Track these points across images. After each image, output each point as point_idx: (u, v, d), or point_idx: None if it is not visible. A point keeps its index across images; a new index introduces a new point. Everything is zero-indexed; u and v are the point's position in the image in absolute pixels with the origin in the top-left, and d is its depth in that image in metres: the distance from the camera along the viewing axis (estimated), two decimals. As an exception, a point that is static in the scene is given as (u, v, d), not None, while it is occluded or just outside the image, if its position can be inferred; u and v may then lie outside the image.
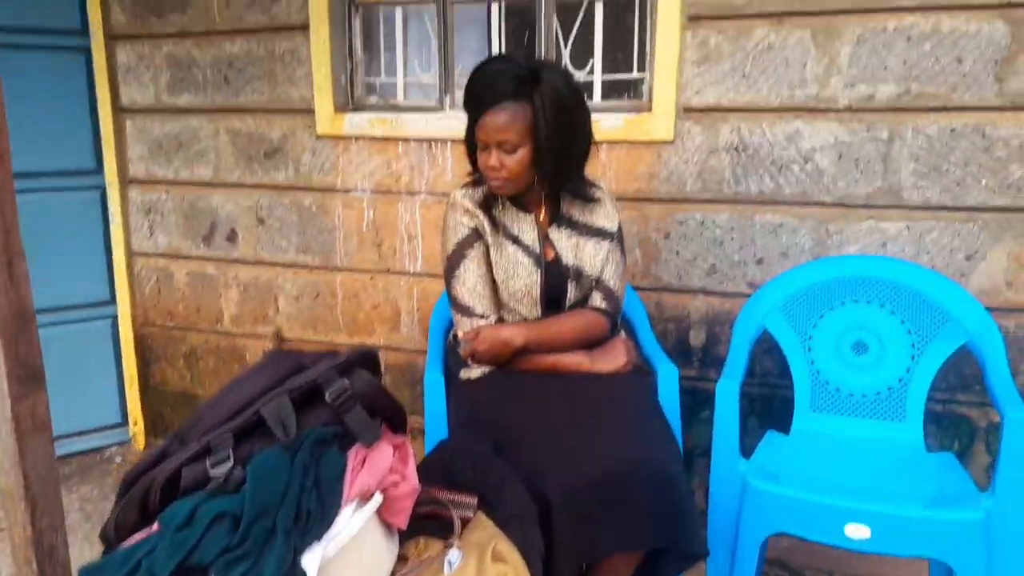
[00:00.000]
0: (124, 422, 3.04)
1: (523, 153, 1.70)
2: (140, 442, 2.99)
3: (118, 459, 2.93)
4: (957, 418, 2.18)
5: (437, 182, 2.48)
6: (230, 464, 1.03)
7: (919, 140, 2.05)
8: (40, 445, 1.35)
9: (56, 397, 2.79)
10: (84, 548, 2.20)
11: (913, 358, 1.94)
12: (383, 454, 1.18)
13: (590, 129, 1.76)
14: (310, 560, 1.02)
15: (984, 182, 2.02)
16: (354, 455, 1.15)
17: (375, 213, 2.57)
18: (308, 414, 1.12)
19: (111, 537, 1.12)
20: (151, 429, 3.02)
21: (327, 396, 1.13)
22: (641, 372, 1.86)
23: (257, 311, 2.78)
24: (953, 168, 2.04)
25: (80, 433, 2.95)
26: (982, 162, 2.01)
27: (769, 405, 2.29)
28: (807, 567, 2.15)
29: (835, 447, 1.89)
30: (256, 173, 2.68)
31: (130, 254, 2.89)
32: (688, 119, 2.21)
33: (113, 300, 2.94)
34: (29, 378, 1.32)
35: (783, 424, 2.12)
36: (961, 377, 2.14)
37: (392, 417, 1.24)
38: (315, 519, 1.03)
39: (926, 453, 1.87)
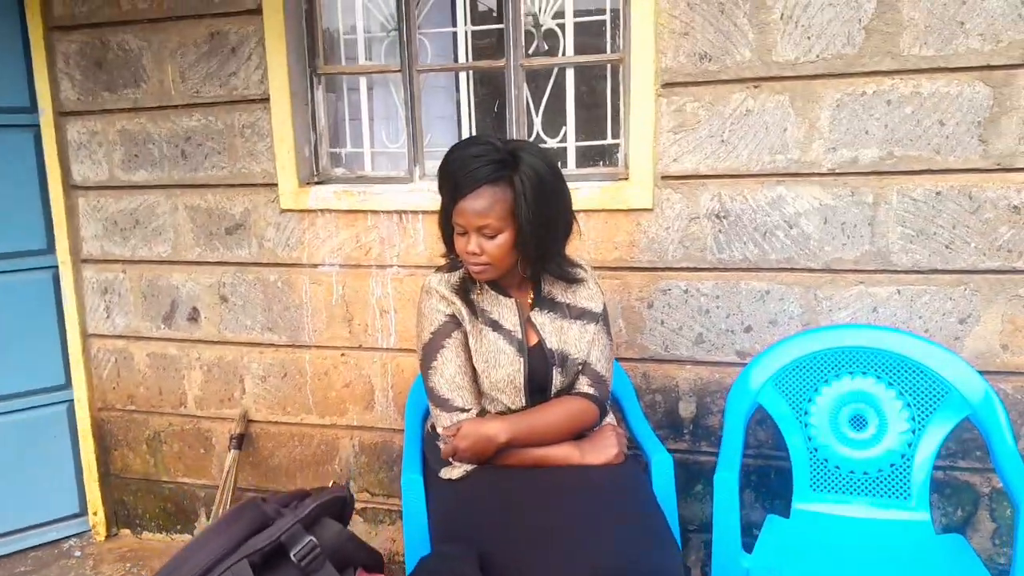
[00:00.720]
0: (83, 512, 2.85)
1: (505, 238, 1.61)
2: (101, 533, 2.81)
3: (77, 552, 2.75)
4: (959, 485, 2.10)
5: (409, 254, 2.38)
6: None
7: (905, 203, 1.99)
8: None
9: (10, 488, 2.65)
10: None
11: (914, 432, 1.86)
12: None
13: (571, 207, 1.68)
14: None
15: (973, 244, 1.97)
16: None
17: (345, 288, 2.46)
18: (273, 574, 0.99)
19: None
20: (112, 519, 2.84)
21: (293, 556, 1.01)
22: (634, 461, 1.76)
23: (222, 392, 2.64)
24: (941, 231, 1.98)
25: (36, 526, 2.77)
26: (970, 224, 1.96)
27: (765, 478, 2.20)
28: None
29: (839, 532, 1.79)
30: (218, 250, 2.55)
31: (86, 336, 2.74)
32: (667, 186, 2.14)
33: (69, 384, 2.78)
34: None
35: (780, 496, 2.03)
36: (961, 443, 2.06)
37: (367, 563, 1.12)
38: None
39: (934, 535, 1.78)
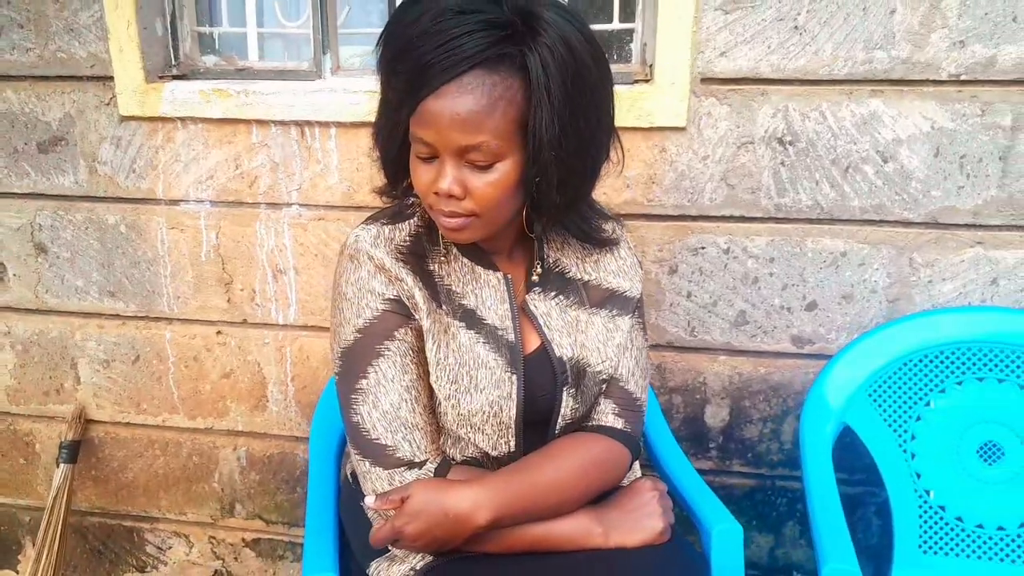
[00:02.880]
0: None
1: (507, 168, 0.90)
2: None
3: None
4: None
5: (316, 187, 1.61)
6: None
7: (1063, 128, 1.35)
8: None
9: None
10: None
11: (1072, 468, 1.27)
12: None
13: (613, 115, 0.96)
14: None
15: None
16: None
17: (219, 236, 1.67)
18: None
19: None
20: None
21: None
22: (684, 540, 1.09)
23: (46, 382, 1.83)
24: (1109, 171, 1.36)
25: None
26: None
27: (851, 512, 1.59)
28: None
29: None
30: (28, 175, 1.71)
31: None
32: (709, 94, 1.43)
33: None
34: None
35: (868, 551, 1.43)
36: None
37: None
38: None
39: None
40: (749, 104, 1.43)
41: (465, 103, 0.84)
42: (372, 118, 0.98)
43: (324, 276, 1.65)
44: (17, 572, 2.00)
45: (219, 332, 1.73)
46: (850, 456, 1.43)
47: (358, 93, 1.55)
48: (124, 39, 1.59)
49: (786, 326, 1.53)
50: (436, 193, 0.90)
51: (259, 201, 1.64)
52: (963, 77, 1.37)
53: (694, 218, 1.51)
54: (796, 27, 1.39)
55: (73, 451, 1.80)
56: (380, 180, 1.03)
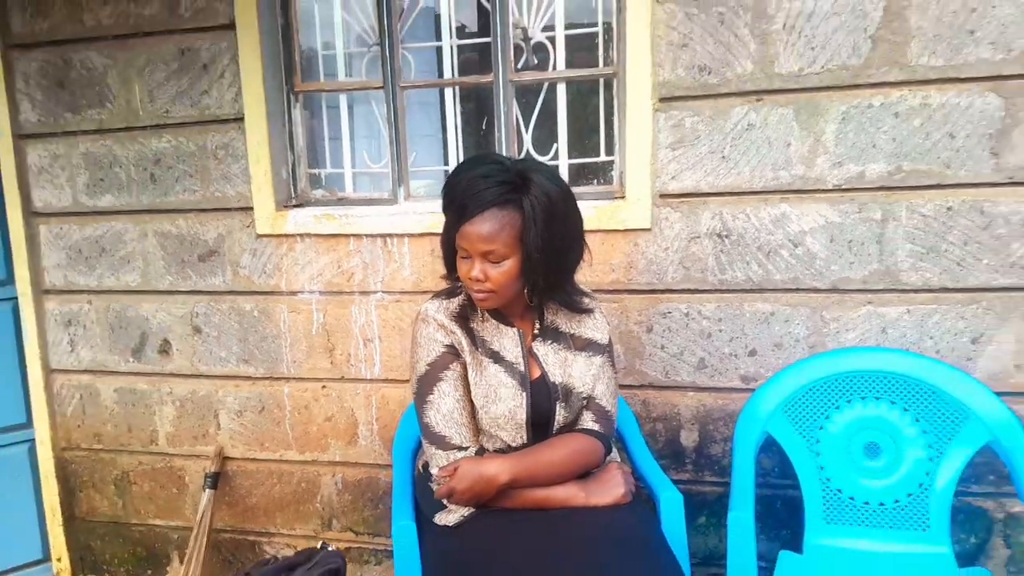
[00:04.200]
0: (46, 559, 2.68)
1: (511, 264, 1.50)
2: (66, 583, 2.64)
3: (40, 603, 2.57)
4: (972, 511, 2.01)
5: (394, 279, 2.26)
6: None
7: (914, 219, 1.91)
8: None
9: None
10: None
11: (932, 460, 1.77)
12: None
13: (582, 232, 1.57)
14: None
15: (986, 261, 1.89)
16: None
17: (326, 316, 2.33)
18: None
19: None
20: (78, 565, 2.66)
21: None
22: (641, 501, 1.64)
23: (196, 429, 2.48)
24: (952, 247, 1.90)
25: (9, 571, 2.59)
26: (982, 240, 1.88)
27: (771, 508, 2.09)
28: None
29: (856, 567, 1.69)
30: (190, 278, 2.41)
31: (48, 371, 2.57)
32: (665, 205, 2.05)
33: (30, 423, 2.61)
34: None
35: (786, 526, 1.93)
36: (974, 467, 1.96)
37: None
38: None
39: (957, 570, 1.68)
40: (695, 210, 2.04)
41: (485, 227, 1.47)
42: (434, 230, 1.63)
43: (399, 342, 2.28)
44: (166, 581, 2.61)
45: (324, 386, 2.37)
46: (771, 464, 1.95)
47: (423, 213, 2.21)
48: (261, 182, 2.31)
49: (735, 368, 2.08)
50: (470, 278, 1.53)
51: (354, 290, 2.30)
52: (843, 186, 1.94)
53: (661, 291, 2.09)
54: (723, 157, 2.00)
55: (214, 480, 2.43)
56: (440, 272, 1.65)
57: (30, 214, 2.51)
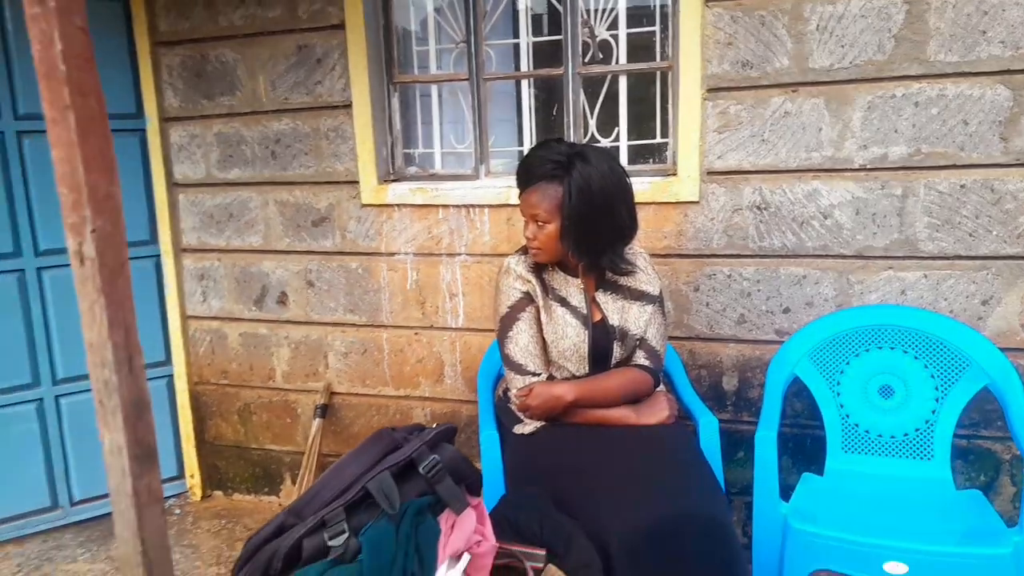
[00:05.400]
0: (181, 475, 3.18)
1: (551, 228, 1.87)
2: (197, 493, 3.14)
3: (177, 511, 3.07)
4: (982, 453, 2.30)
5: (476, 244, 2.64)
6: (346, 536, 1.18)
7: (931, 195, 2.20)
8: (155, 516, 1.49)
9: (120, 457, 2.97)
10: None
11: (937, 400, 2.07)
12: (468, 518, 1.32)
13: (624, 216, 1.88)
14: (416, 616, 1.16)
15: (995, 232, 2.17)
16: (445, 520, 1.29)
17: (418, 274, 2.73)
18: (406, 485, 1.27)
19: (234, 601, 1.26)
20: (207, 481, 3.16)
21: (421, 469, 1.28)
22: (683, 423, 2.00)
23: (308, 368, 2.94)
24: (965, 220, 2.18)
25: (139, 490, 3.09)
26: (992, 214, 2.16)
27: (801, 445, 2.42)
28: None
29: (868, 486, 2.02)
30: (305, 240, 2.85)
31: (184, 318, 3.06)
32: (712, 181, 2.37)
33: (169, 361, 3.10)
34: (146, 457, 1.46)
35: (815, 461, 2.25)
36: (983, 414, 2.26)
37: (471, 483, 1.38)
38: (418, 579, 1.17)
39: (955, 491, 1.99)
40: (737, 186, 2.36)
41: (533, 196, 1.85)
42: (509, 202, 1.99)
43: (480, 297, 2.67)
44: (279, 496, 3.08)
45: (416, 334, 2.78)
46: (801, 407, 2.27)
47: (500, 188, 2.58)
48: (366, 160, 2.72)
49: (771, 323, 2.40)
50: (525, 236, 1.90)
51: (442, 253, 2.69)
52: (868, 166, 2.24)
53: (707, 256, 2.42)
54: (763, 140, 2.31)
55: (323, 411, 2.88)
56: (514, 237, 2.03)
57: (171, 185, 2.98)
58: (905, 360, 2.11)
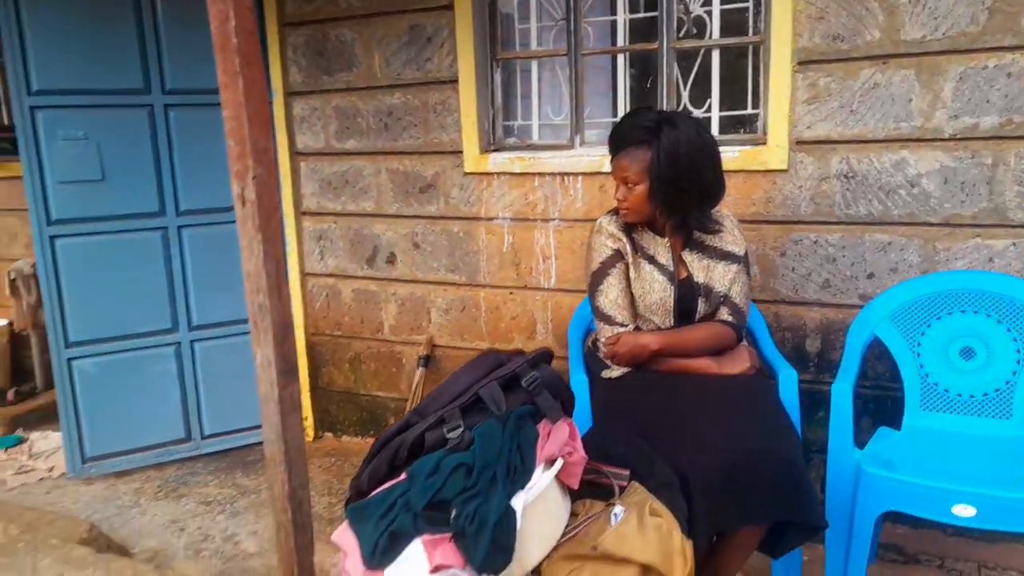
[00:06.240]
0: (293, 421, 3.50)
1: (641, 189, 2.01)
2: (310, 434, 3.45)
3: (289, 453, 3.39)
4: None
5: (569, 210, 2.82)
6: (461, 429, 1.39)
7: (1023, 165, 2.23)
8: (295, 423, 1.76)
9: (245, 396, 3.31)
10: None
11: (1019, 363, 2.12)
12: (562, 429, 1.51)
13: (711, 178, 2.01)
14: (517, 503, 1.35)
15: (1086, 201, 2.19)
16: (542, 428, 1.48)
17: (514, 238, 2.93)
18: (510, 396, 1.47)
19: (363, 487, 1.49)
20: (319, 424, 3.48)
21: (523, 383, 1.48)
22: (763, 376, 2.13)
23: (412, 322, 3.19)
24: (1055, 189, 2.21)
25: (259, 427, 3.38)
26: (1083, 183, 2.18)
27: (881, 405, 2.49)
28: (921, 552, 2.34)
29: (943, 440, 2.09)
30: (412, 206, 3.10)
31: (303, 274, 3.37)
32: (800, 151, 2.47)
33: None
34: (289, 371, 1.72)
35: (894, 423, 2.33)
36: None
37: (565, 401, 1.57)
38: (520, 473, 1.37)
39: (1032, 448, 2.05)
40: (825, 155, 2.45)
41: (624, 159, 2.00)
42: (602, 170, 2.15)
43: (571, 260, 2.85)
44: (383, 442, 3.36)
45: (511, 293, 2.99)
46: (883, 370, 2.35)
47: (594, 156, 2.75)
48: (468, 131, 2.93)
49: (855, 288, 2.49)
50: (616, 197, 2.06)
51: (537, 218, 2.89)
52: (958, 136, 2.29)
53: (795, 222, 2.52)
54: (852, 111, 2.39)
55: (426, 361, 3.13)
56: (606, 204, 2.19)
57: (294, 154, 3.28)
58: (988, 324, 2.17)
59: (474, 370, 1.51)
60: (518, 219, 2.92)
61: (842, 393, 2.02)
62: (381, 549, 1.33)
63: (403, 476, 1.42)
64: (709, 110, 2.76)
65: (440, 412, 1.44)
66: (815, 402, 2.57)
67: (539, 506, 1.44)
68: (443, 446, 1.40)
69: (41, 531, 2.24)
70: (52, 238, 3.03)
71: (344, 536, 1.44)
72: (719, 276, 2.11)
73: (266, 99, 1.71)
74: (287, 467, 1.73)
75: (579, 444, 1.59)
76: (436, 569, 1.30)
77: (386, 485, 1.45)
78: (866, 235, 2.45)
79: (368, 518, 1.38)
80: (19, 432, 3.67)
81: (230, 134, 1.63)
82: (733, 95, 2.75)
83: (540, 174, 2.85)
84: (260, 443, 3.33)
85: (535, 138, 3.03)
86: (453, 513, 1.32)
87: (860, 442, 2.10)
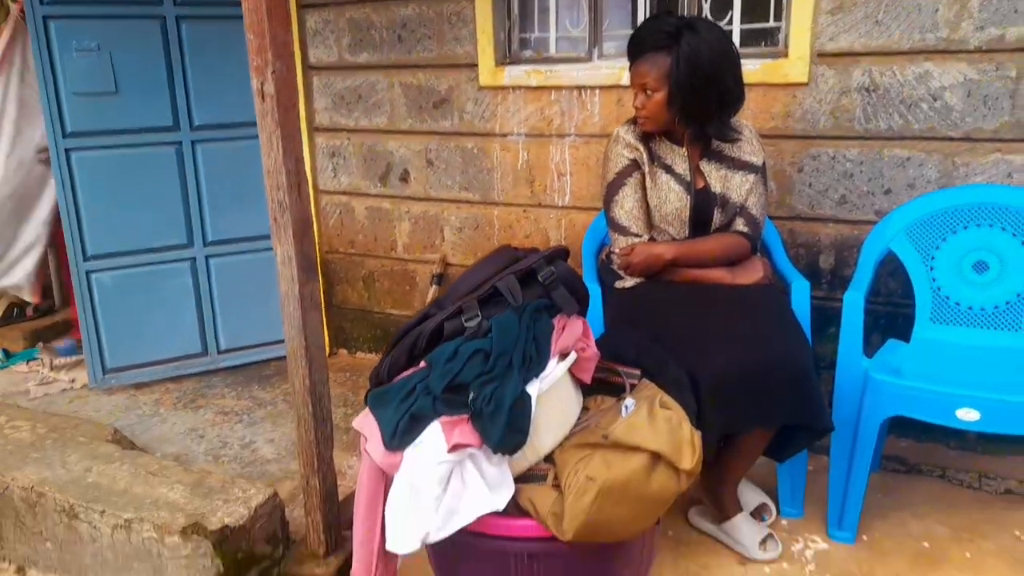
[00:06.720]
0: (308, 339, 3.55)
1: (659, 96, 1.99)
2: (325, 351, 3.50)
3: (304, 369, 3.45)
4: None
5: (585, 125, 2.80)
6: (479, 319, 1.42)
7: (1047, 76, 2.19)
8: (315, 320, 1.80)
9: (261, 312, 3.35)
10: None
11: (1032, 276, 2.13)
12: (576, 324, 1.54)
13: (731, 85, 1.99)
14: (531, 390, 1.39)
15: (1112, 115, 2.15)
16: (557, 322, 1.51)
17: (529, 154, 2.92)
18: (526, 290, 1.49)
19: (383, 375, 1.53)
20: (334, 341, 3.53)
21: (539, 277, 1.50)
22: (776, 287, 2.14)
23: (425, 241, 3.21)
24: (1081, 102, 2.17)
25: (274, 343, 3.44)
26: (1110, 95, 2.14)
27: (893, 321, 2.51)
28: (923, 463, 2.39)
29: (952, 351, 2.12)
30: (426, 121, 3.07)
31: (317, 191, 3.37)
32: (822, 63, 2.42)
33: (301, 233, 3.43)
34: (309, 268, 1.75)
35: (904, 338, 2.35)
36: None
37: (580, 298, 1.59)
38: (535, 362, 1.40)
39: (1042, 361, 2.06)
40: (847, 68, 2.40)
41: (643, 66, 1.97)
42: (620, 83, 2.11)
43: (587, 177, 2.84)
44: (396, 358, 3.41)
45: (525, 211, 2.99)
46: (896, 287, 2.36)
47: (612, 69, 2.71)
48: (484, 43, 2.89)
49: (871, 204, 2.47)
50: (634, 105, 2.03)
51: (552, 134, 2.86)
52: (983, 48, 2.24)
53: (813, 137, 2.49)
54: (877, 21, 2.34)
55: (439, 279, 3.15)
56: (623, 118, 2.16)
57: (306, 68, 3.25)
58: (1003, 237, 2.16)
59: (491, 264, 1.53)
60: (533, 135, 2.90)
61: (854, 302, 2.03)
62: (401, 431, 1.37)
63: (422, 365, 1.45)
64: (730, 23, 2.69)
65: (458, 303, 1.47)
66: (826, 318, 2.58)
67: (552, 395, 1.47)
68: (461, 335, 1.43)
69: (67, 432, 2.31)
70: (67, 151, 3.03)
71: (365, 421, 1.48)
72: (736, 186, 2.10)
73: (285, -7, 1.68)
74: (308, 362, 1.78)
75: (592, 341, 1.61)
76: (454, 448, 1.34)
77: (405, 373, 1.49)
78: (885, 150, 2.42)
79: (388, 403, 1.42)
80: (38, 346, 3.74)
81: (249, 28, 1.61)
82: (754, 7, 2.69)
83: (557, 87, 2.81)
84: (275, 359, 3.41)
85: (552, 51, 2.98)
86: (471, 395, 1.35)
87: (869, 355, 2.12)
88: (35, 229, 3.64)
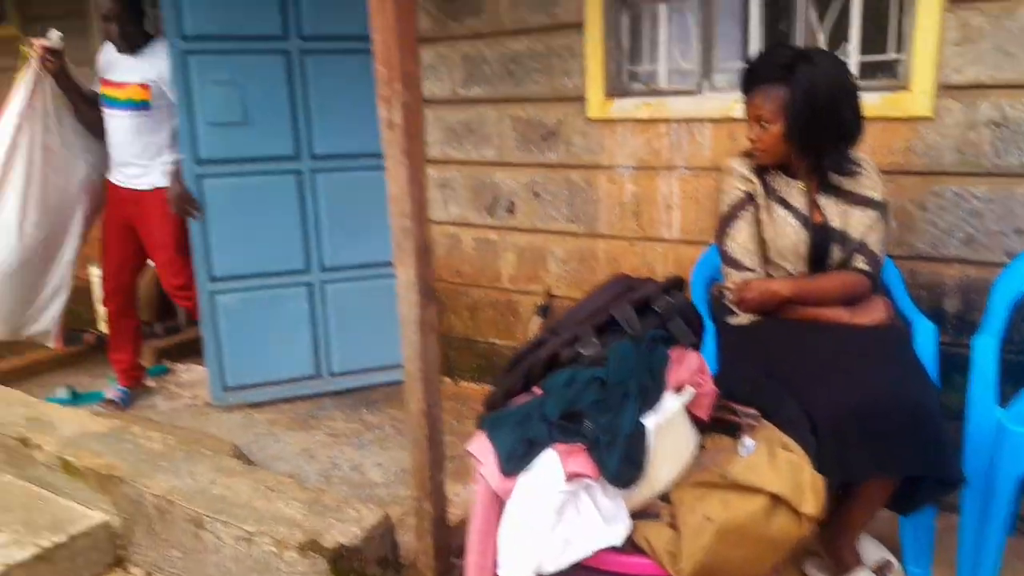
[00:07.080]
0: (412, 364, 3.64)
1: (775, 129, 1.96)
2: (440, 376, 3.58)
3: (408, 393, 3.53)
4: None
5: (695, 158, 2.78)
6: (596, 346, 1.44)
7: None
8: (432, 343, 1.85)
9: (369, 338, 3.46)
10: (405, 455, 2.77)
11: None
12: (691, 358, 1.53)
13: (850, 117, 1.95)
14: (648, 421, 1.39)
15: None
16: (672, 354, 1.50)
17: (636, 187, 2.93)
18: (642, 320, 1.50)
19: (498, 401, 1.57)
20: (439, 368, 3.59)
21: (656, 307, 1.50)
22: (898, 328, 2.06)
23: (530, 272, 3.25)
24: None
25: (383, 368, 3.53)
26: None
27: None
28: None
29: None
30: (532, 153, 3.13)
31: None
32: (947, 96, 2.34)
33: (408, 261, 3.54)
34: (429, 293, 1.81)
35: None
36: None
37: (696, 330, 1.58)
38: (651, 393, 1.40)
39: None
40: (974, 102, 2.31)
41: (757, 97, 1.95)
42: (730, 115, 2.10)
43: (696, 211, 2.81)
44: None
45: (631, 244, 2.99)
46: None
47: (723, 101, 2.69)
48: (594, 76, 2.93)
49: (1000, 245, 2.35)
50: (749, 137, 2.01)
51: (661, 167, 2.86)
52: None
53: (937, 174, 2.40)
54: (1006, 53, 2.24)
55: (543, 311, 3.18)
56: (730, 154, 2.14)
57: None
58: None
59: (606, 293, 1.55)
60: (641, 167, 2.91)
61: (986, 348, 1.93)
62: (518, 455, 1.40)
63: (537, 392, 1.47)
64: (846, 55, 2.64)
65: (574, 331, 1.49)
66: (952, 366, 2.44)
67: (669, 430, 1.47)
68: (576, 363, 1.45)
69: (193, 444, 2.45)
70: (199, 177, 3.24)
71: (479, 445, 1.51)
72: (855, 222, 2.04)
73: (414, 25, 1.76)
74: (424, 385, 1.83)
75: (709, 377, 1.60)
76: (571, 477, 1.35)
77: (519, 400, 1.51)
78: (1017, 188, 2.30)
79: (504, 426, 1.45)
80: (164, 363, 3.98)
81: (379, 59, 1.70)
82: (873, 39, 2.63)
83: (666, 120, 2.82)
84: (384, 384, 3.51)
85: (662, 83, 3.00)
86: (586, 423, 1.36)
87: (1002, 406, 2.00)
88: (61, 271, 3.55)
